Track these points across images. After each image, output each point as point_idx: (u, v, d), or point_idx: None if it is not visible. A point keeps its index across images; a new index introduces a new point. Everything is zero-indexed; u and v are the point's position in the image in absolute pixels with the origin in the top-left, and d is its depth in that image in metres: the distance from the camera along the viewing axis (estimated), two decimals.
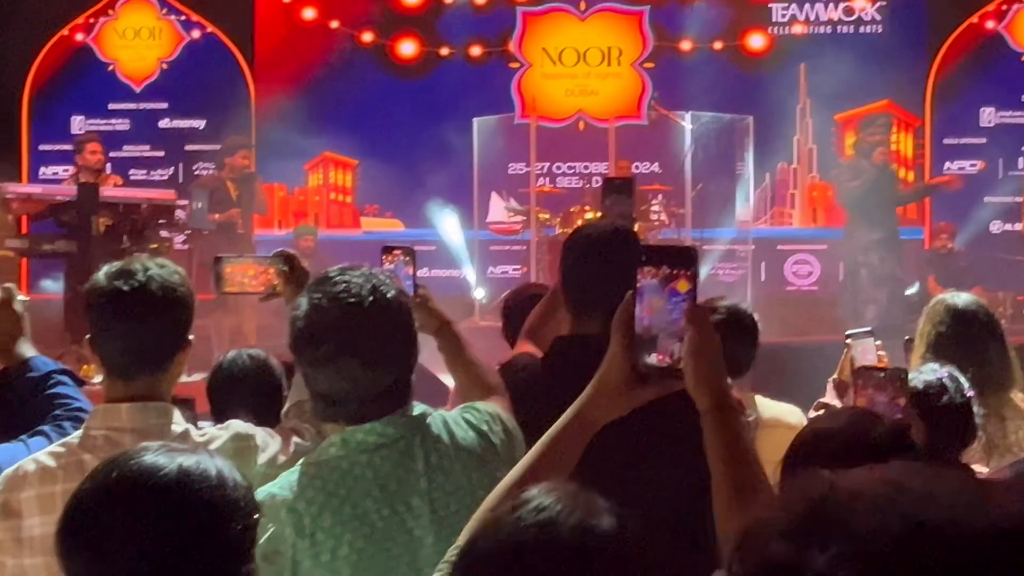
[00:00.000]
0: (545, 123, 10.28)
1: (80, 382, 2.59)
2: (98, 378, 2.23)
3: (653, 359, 1.46)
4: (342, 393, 1.96)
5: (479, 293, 9.84)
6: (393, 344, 1.99)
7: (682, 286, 1.46)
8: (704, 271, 9.57)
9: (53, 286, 8.45)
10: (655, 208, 8.82)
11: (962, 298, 3.34)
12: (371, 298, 1.96)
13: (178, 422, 2.20)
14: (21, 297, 2.64)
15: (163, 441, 1.46)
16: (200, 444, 2.11)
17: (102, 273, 2.21)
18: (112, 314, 2.18)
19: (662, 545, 1.37)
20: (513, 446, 2.09)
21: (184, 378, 2.43)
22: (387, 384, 1.97)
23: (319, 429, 2.19)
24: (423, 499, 1.97)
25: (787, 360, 5.44)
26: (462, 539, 1.43)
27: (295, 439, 2.27)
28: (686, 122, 9.24)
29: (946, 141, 10.48)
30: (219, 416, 2.79)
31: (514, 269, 10.07)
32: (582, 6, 10.80)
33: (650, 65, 10.68)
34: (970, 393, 2.72)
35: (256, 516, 1.44)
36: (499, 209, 10.25)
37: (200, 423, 2.52)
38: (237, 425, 2.26)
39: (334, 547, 1.92)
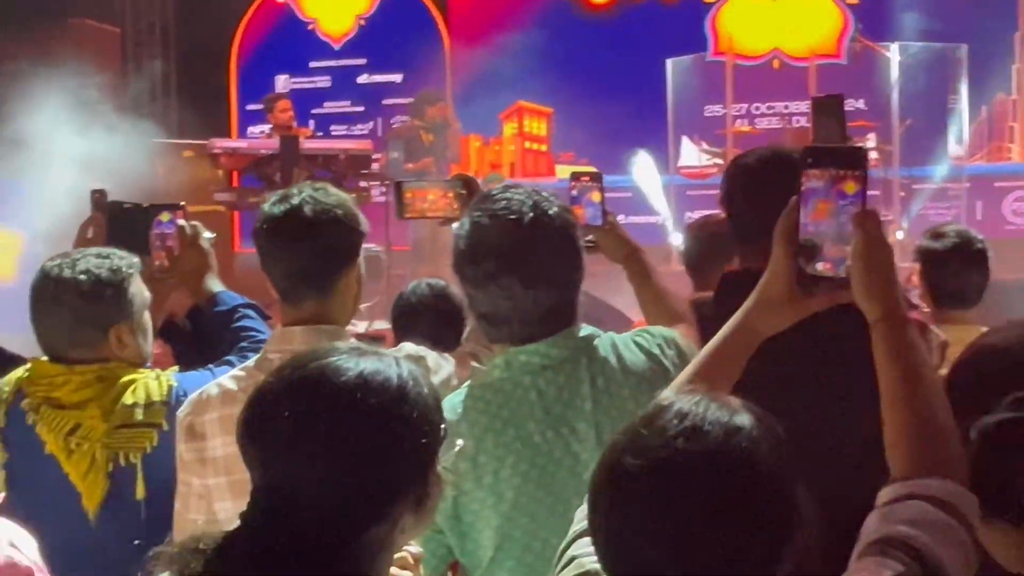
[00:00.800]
0: (740, 61, 9.97)
1: (266, 316, 2.64)
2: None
3: (819, 267, 1.38)
4: (502, 313, 1.92)
5: (676, 239, 9.67)
6: (554, 263, 1.94)
7: (850, 188, 1.36)
8: (914, 210, 9.11)
9: None
10: (869, 145, 8.42)
11: None
12: (531, 215, 1.91)
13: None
14: (207, 234, 2.72)
15: (355, 344, 1.43)
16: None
17: (267, 202, 2.27)
18: (269, 238, 2.22)
19: (823, 463, 1.27)
20: None
21: (381, 324, 2.46)
22: (549, 304, 1.92)
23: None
24: (588, 423, 1.91)
25: (1014, 299, 5.10)
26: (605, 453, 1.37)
27: (473, 363, 2.25)
28: (892, 54, 8.77)
29: None
30: None
31: (712, 214, 9.82)
32: None
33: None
34: None
35: (442, 429, 1.39)
36: (691, 153, 10.04)
37: None
38: (409, 347, 2.26)
39: (496, 470, 1.89)
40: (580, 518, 1.44)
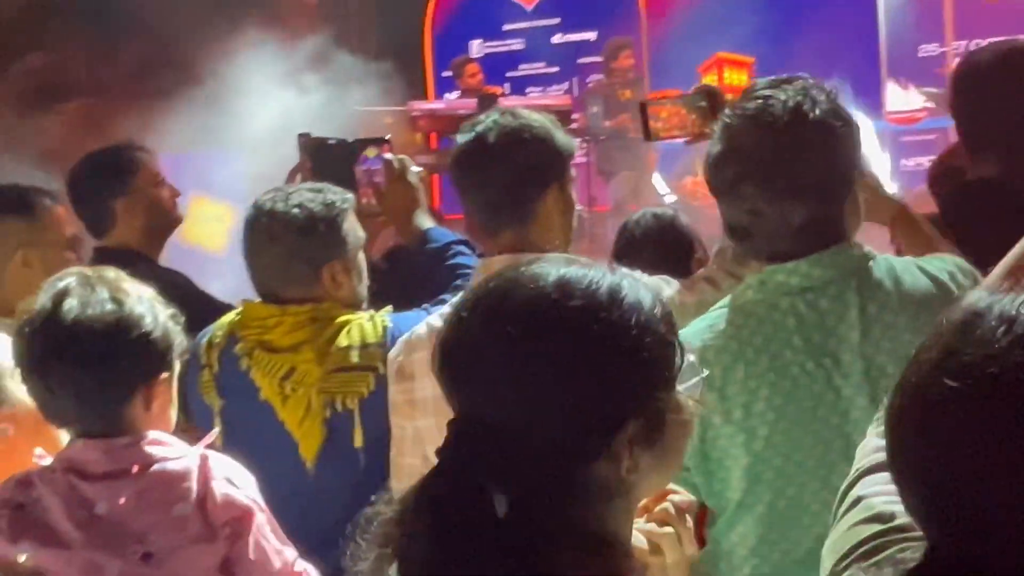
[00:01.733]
0: None
1: (481, 252, 2.53)
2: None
3: None
4: (745, 226, 1.74)
5: (890, 188, 9.17)
6: (808, 172, 1.71)
7: None
8: None
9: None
10: None
11: None
12: (787, 118, 1.70)
13: None
14: (415, 168, 2.60)
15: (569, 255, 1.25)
16: None
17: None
18: (455, 170, 2.13)
19: None
20: None
21: None
22: (801, 219, 1.70)
23: (740, 277, 1.95)
24: (855, 354, 1.68)
25: None
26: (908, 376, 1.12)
27: (704, 286, 2.05)
28: None
29: None
30: None
31: (930, 160, 9.28)
32: None
33: None
34: None
35: (675, 346, 1.14)
36: (898, 96, 9.48)
37: None
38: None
39: (747, 403, 1.69)
40: (865, 453, 1.22)
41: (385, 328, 2.30)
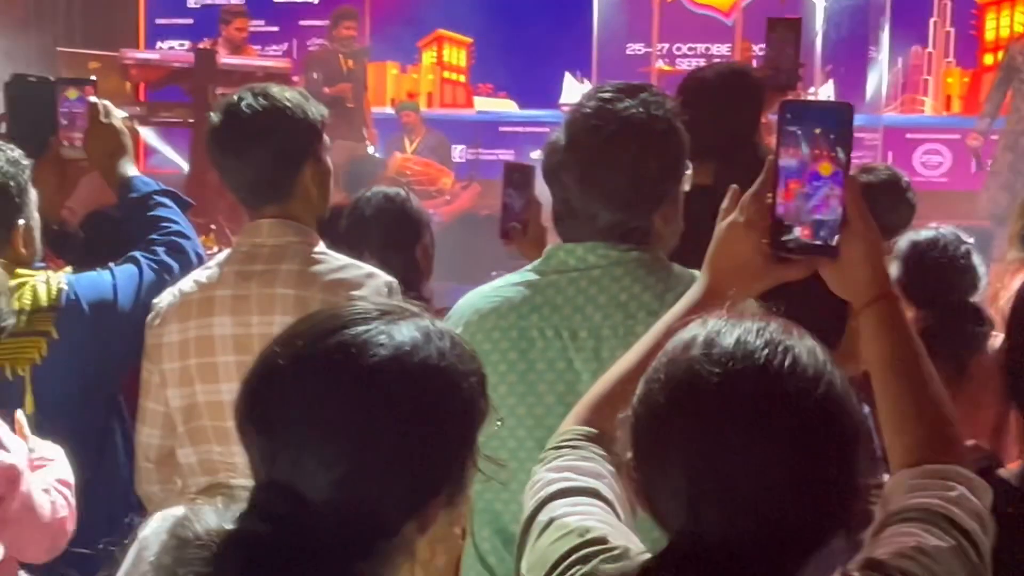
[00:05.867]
0: None
1: (186, 204, 2.48)
2: (215, 248, 2.21)
3: (797, 232, 1.26)
4: (560, 212, 1.92)
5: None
6: (622, 180, 1.84)
7: (831, 152, 1.24)
8: None
9: (171, 162, 8.48)
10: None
11: None
12: (614, 127, 1.83)
13: (319, 245, 2.14)
14: (121, 113, 2.52)
15: (380, 302, 1.19)
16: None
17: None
18: (214, 150, 2.15)
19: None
20: None
21: None
22: (605, 222, 1.84)
23: None
24: (591, 334, 1.81)
25: None
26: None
27: None
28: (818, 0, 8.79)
29: None
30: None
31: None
32: None
33: None
34: None
35: (484, 409, 1.14)
36: (573, 90, 10.00)
37: None
38: (383, 279, 2.16)
39: (488, 352, 1.82)
40: (540, 488, 1.27)
41: (60, 291, 2.23)
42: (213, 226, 7.00)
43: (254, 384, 1.10)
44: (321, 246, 2.17)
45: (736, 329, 1.06)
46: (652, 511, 1.07)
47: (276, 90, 2.13)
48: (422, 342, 1.10)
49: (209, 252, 3.84)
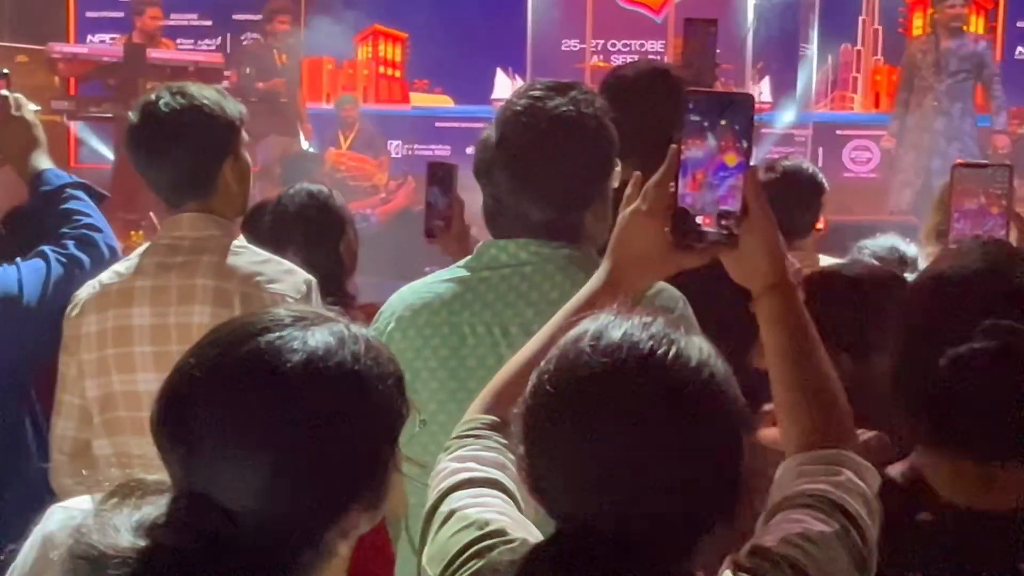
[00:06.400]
0: None
1: (100, 196, 2.48)
2: (145, 245, 2.24)
3: (699, 220, 1.29)
4: (491, 209, 1.93)
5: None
6: (553, 179, 1.87)
7: (733, 141, 1.27)
8: (759, 154, 9.31)
9: (100, 156, 8.37)
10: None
11: None
12: (545, 125, 1.86)
13: (239, 240, 2.16)
14: (32, 106, 2.52)
15: (295, 309, 1.19)
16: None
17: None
18: (132, 149, 2.18)
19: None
20: None
21: None
22: (536, 218, 1.86)
23: None
24: (521, 330, 1.83)
25: (847, 239, 5.28)
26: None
27: None
28: None
29: (1020, 24, 10.02)
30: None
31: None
32: None
33: None
34: None
35: (404, 411, 1.16)
36: (504, 86, 10.06)
37: None
38: (302, 276, 2.17)
39: (420, 347, 1.85)
40: (443, 476, 1.30)
41: None
42: (144, 222, 6.94)
43: (169, 394, 1.10)
44: (242, 240, 2.21)
45: (624, 323, 1.10)
46: (540, 500, 1.11)
47: (194, 88, 2.15)
48: (335, 347, 1.10)
49: (138, 246, 3.82)
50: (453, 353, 1.86)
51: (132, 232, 6.70)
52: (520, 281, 1.86)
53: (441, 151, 10.29)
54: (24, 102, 2.49)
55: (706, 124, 1.28)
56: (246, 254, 2.17)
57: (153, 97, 2.14)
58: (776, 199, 3.29)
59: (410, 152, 10.18)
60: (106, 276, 2.20)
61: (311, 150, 9.04)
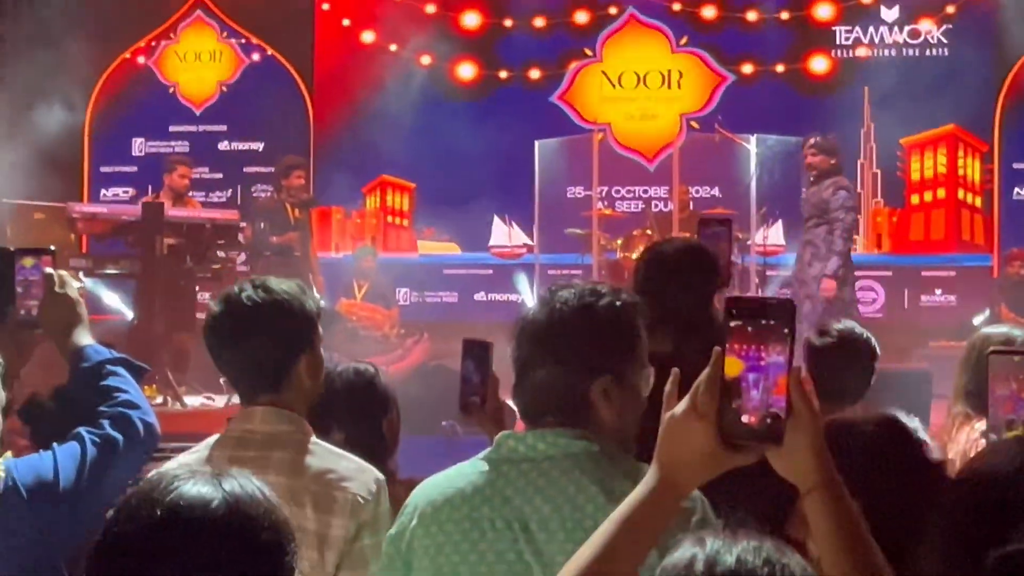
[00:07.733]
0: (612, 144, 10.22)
1: (139, 370, 2.48)
2: (159, 399, 2.26)
3: (744, 420, 1.33)
4: (518, 377, 1.95)
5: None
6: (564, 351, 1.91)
7: (776, 344, 1.32)
8: (769, 294, 9.39)
9: (117, 308, 8.44)
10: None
11: (1002, 330, 3.18)
12: (567, 308, 1.92)
13: (310, 433, 2.19)
14: (76, 283, 2.54)
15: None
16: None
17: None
18: (211, 336, 2.23)
19: None
20: None
21: None
22: (544, 378, 1.90)
23: None
24: (543, 528, 1.84)
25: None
26: None
27: None
28: (751, 145, 9.09)
29: (1016, 166, 10.25)
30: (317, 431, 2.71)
31: None
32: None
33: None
34: None
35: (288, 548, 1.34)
36: (501, 233, 10.22)
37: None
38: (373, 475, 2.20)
39: (441, 544, 1.87)
40: None
41: None
42: (158, 376, 6.96)
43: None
44: (313, 437, 2.21)
45: (734, 547, 1.12)
46: None
47: (274, 283, 2.21)
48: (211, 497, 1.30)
49: (151, 401, 3.83)
50: (472, 548, 1.87)
51: (146, 387, 6.71)
52: (538, 476, 1.88)
53: (449, 298, 10.41)
54: (68, 279, 2.51)
55: (749, 328, 1.33)
56: (318, 451, 2.19)
57: (236, 289, 2.20)
58: (831, 364, 3.30)
59: (420, 299, 10.29)
60: (173, 467, 2.21)
61: (323, 303, 9.11)
